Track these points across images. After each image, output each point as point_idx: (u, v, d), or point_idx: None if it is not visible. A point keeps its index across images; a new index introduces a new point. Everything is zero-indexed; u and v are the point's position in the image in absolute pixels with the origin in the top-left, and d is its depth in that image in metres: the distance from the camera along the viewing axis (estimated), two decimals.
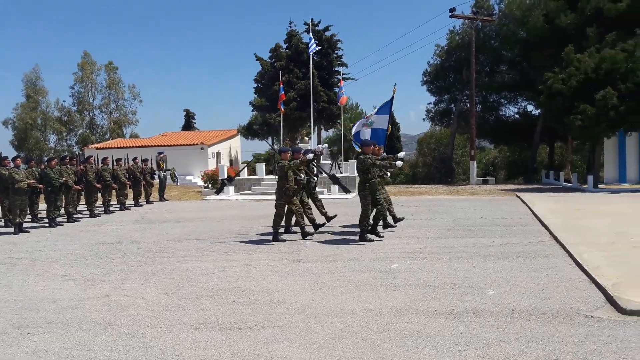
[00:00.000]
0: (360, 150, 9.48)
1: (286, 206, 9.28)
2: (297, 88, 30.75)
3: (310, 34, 26.35)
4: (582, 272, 6.23)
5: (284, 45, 33.75)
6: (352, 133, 12.18)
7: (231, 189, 20.92)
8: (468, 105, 30.53)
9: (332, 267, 6.97)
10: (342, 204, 14.38)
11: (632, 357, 3.75)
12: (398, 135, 44.17)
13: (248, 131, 35.76)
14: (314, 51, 25.66)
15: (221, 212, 14.63)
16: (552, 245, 8.14)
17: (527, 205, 14.11)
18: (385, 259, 7.37)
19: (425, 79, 34.49)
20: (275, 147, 19.57)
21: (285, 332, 4.47)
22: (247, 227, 11.26)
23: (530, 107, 33.89)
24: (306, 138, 25.61)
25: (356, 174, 20.73)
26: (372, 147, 9.45)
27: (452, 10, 26.20)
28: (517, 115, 34.89)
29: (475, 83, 28.14)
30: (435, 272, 6.53)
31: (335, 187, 19.32)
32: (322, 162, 35.59)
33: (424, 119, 53.39)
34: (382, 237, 9.14)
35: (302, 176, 9.55)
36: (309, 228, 9.66)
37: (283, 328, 4.57)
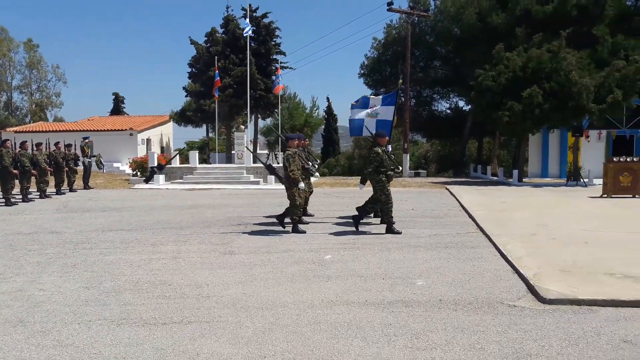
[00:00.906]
0: (371, 140, 9.09)
1: (297, 193, 8.72)
2: (233, 75, 30.04)
3: (247, 19, 25.86)
4: (506, 263, 6.47)
5: (221, 30, 32.84)
6: (351, 118, 11.70)
7: (161, 177, 20.24)
8: (403, 99, 31.13)
9: (265, 259, 6.85)
10: (278, 195, 14.24)
11: (550, 344, 3.91)
12: (335, 127, 44.56)
13: (181, 117, 34.46)
14: (249, 34, 25.21)
15: (150, 202, 14.10)
16: (478, 237, 8.43)
17: (455, 197, 14.59)
18: (319, 250, 7.34)
19: (362, 71, 34.78)
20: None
21: (213, 327, 4.32)
22: (178, 217, 10.90)
23: (461, 103, 35.20)
24: (242, 126, 25.18)
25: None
26: (385, 138, 8.92)
27: (389, 4, 26.47)
28: (449, 111, 36.11)
29: (410, 77, 28.71)
30: (367, 262, 6.57)
31: (271, 177, 19.14)
32: (258, 151, 35.15)
33: None
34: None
35: (310, 164, 9.35)
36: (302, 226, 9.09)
37: (211, 323, 4.41)
